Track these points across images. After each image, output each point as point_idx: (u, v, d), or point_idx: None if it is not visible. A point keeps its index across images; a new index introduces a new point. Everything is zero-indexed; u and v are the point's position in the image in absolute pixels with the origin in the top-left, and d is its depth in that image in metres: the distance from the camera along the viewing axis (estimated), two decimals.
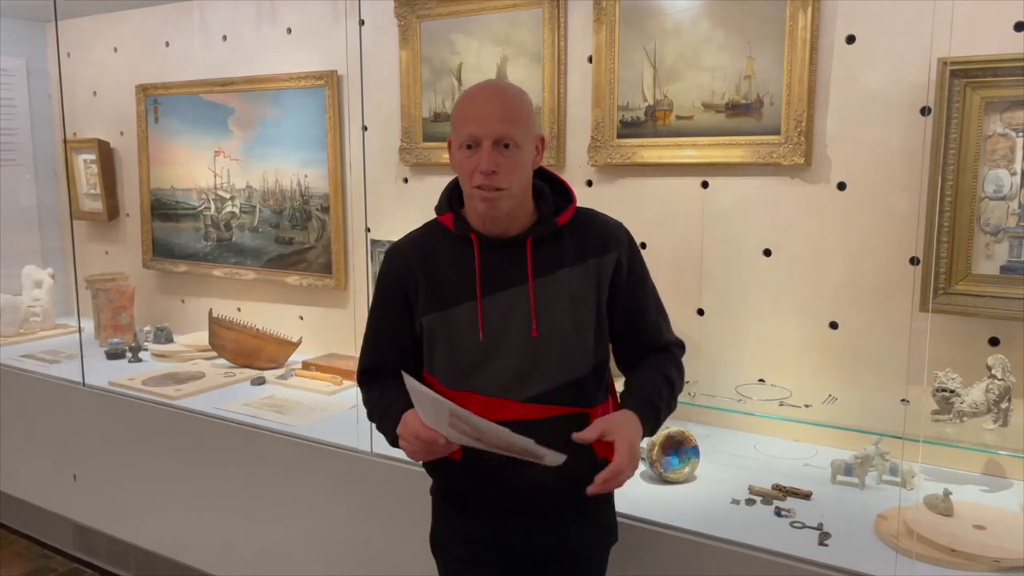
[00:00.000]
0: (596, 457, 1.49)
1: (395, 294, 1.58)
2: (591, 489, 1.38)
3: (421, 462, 1.68)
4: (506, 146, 1.43)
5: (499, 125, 1.43)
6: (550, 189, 1.59)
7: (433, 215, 1.64)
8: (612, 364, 1.65)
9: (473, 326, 1.51)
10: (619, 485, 1.41)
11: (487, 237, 1.52)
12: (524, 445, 1.34)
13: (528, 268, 1.51)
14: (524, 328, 1.50)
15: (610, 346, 1.63)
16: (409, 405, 1.48)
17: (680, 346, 1.66)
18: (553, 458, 1.36)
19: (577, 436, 1.40)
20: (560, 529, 1.58)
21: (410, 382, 1.37)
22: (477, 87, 1.52)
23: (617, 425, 1.42)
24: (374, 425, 1.63)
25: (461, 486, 1.61)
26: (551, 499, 1.56)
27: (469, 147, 1.45)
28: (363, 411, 1.67)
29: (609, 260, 1.55)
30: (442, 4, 2.71)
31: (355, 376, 1.70)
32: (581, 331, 1.53)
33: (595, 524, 1.64)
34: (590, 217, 1.60)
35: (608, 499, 1.68)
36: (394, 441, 1.55)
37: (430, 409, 1.39)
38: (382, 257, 1.66)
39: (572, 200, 1.58)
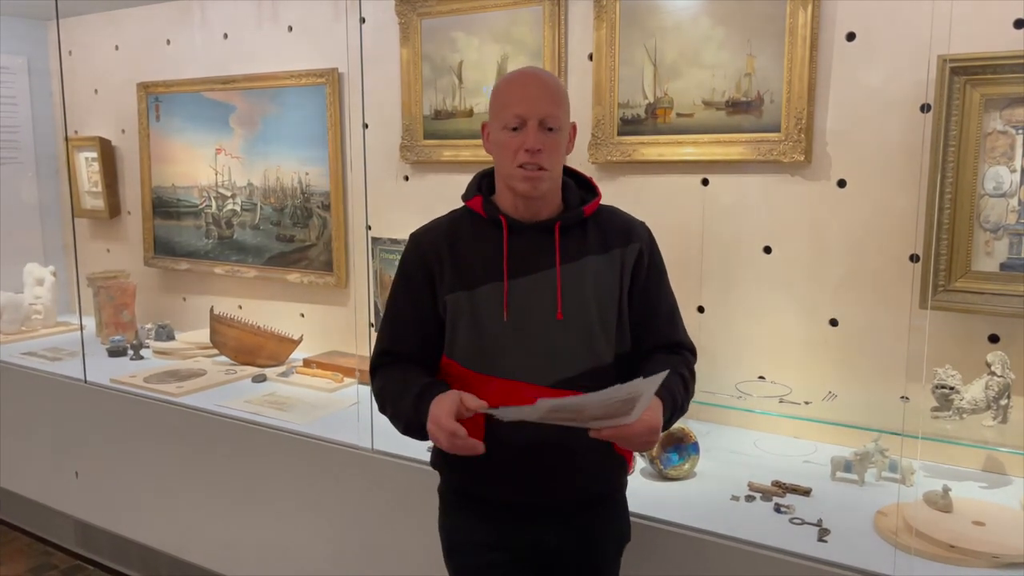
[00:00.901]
0: (616, 452, 1.48)
1: (419, 276, 1.57)
2: (594, 434, 1.35)
3: (430, 461, 1.67)
4: (550, 129, 1.46)
5: (545, 106, 1.45)
6: (575, 184, 1.61)
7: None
8: None
9: (498, 306, 1.50)
10: (623, 442, 1.38)
11: (516, 221, 1.53)
12: (628, 391, 1.28)
13: (556, 252, 1.52)
14: (549, 311, 1.50)
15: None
16: (432, 385, 1.47)
17: (692, 351, 1.64)
18: (647, 385, 1.30)
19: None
20: (578, 529, 1.57)
21: (496, 412, 1.34)
22: (519, 72, 1.54)
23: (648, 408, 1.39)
24: (386, 417, 1.58)
25: (476, 485, 1.58)
26: (569, 497, 1.55)
27: (514, 128, 1.46)
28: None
29: (632, 250, 1.57)
30: (443, 2, 2.71)
31: (369, 362, 1.64)
32: (604, 318, 1.53)
33: (611, 523, 1.64)
34: (614, 213, 1.63)
35: (622, 499, 1.68)
36: (408, 425, 1.51)
37: (520, 416, 1.33)
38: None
39: (597, 194, 1.60)
